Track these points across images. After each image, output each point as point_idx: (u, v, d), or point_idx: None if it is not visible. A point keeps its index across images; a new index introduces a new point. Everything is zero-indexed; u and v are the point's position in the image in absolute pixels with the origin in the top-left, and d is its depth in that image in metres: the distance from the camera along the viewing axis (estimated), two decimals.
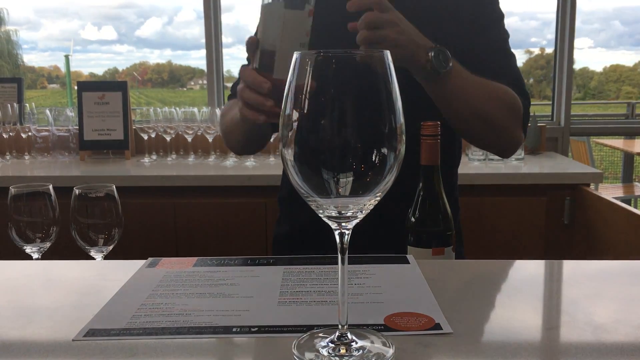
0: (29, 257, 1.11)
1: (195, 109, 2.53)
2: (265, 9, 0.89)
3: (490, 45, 1.17)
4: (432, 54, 1.00)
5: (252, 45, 0.90)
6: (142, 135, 2.56)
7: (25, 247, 1.12)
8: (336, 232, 0.54)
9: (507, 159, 2.42)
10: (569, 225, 2.19)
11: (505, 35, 1.20)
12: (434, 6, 1.15)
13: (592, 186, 2.24)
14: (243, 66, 0.96)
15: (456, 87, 1.04)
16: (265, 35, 0.88)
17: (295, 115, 0.49)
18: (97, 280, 0.79)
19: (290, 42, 0.87)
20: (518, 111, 1.14)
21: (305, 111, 0.49)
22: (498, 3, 1.20)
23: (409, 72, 1.02)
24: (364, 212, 0.53)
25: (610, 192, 4.22)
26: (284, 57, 0.86)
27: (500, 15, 1.20)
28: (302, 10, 0.87)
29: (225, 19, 3.06)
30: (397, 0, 1.00)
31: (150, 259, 0.85)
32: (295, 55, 0.50)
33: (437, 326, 0.61)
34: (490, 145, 1.20)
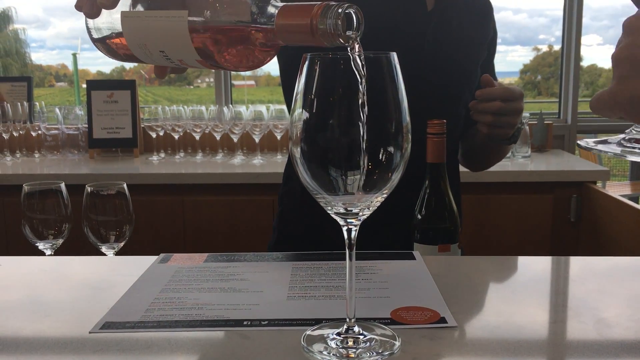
0: (41, 254, 1.13)
1: (203, 107, 2.56)
2: None
3: (492, 68, 1.26)
4: (516, 131, 1.11)
5: None
6: (151, 133, 2.59)
7: (38, 244, 1.14)
8: (344, 229, 0.56)
9: (513, 157, 2.42)
10: (575, 223, 2.20)
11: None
12: (472, 29, 1.19)
13: (599, 184, 2.24)
14: None
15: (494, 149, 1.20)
16: None
17: (305, 114, 0.51)
18: (111, 275, 0.81)
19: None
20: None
21: (313, 110, 0.51)
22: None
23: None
24: (371, 209, 0.54)
25: (618, 189, 4.21)
26: None
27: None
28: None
29: None
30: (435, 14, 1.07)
31: (162, 254, 0.87)
32: (305, 55, 0.51)
33: (442, 320, 0.62)
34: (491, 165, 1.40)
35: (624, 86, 0.47)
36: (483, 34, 1.19)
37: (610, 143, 0.54)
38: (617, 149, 0.52)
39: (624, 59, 0.47)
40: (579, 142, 0.57)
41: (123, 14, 0.61)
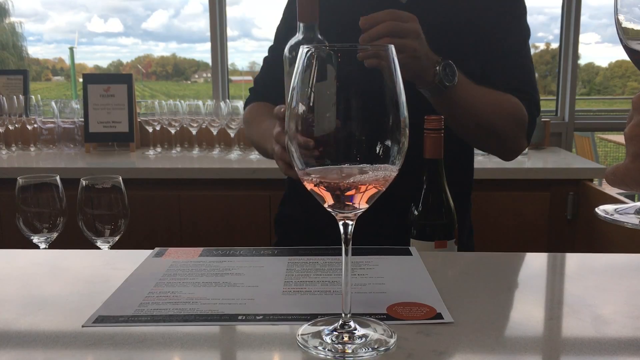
0: (36, 247, 1.13)
1: (200, 102, 2.55)
2: (290, 73, 0.90)
3: (507, 52, 1.18)
4: (440, 68, 1.00)
5: (283, 113, 0.93)
6: (147, 127, 2.58)
7: (32, 237, 1.13)
8: (340, 223, 0.55)
9: None
10: (571, 221, 2.20)
11: (524, 35, 1.22)
12: (452, 14, 1.16)
13: (595, 181, 2.24)
14: (276, 133, 0.98)
15: (461, 99, 1.05)
16: None
17: (301, 108, 0.50)
18: (105, 269, 0.80)
19: (322, 106, 0.88)
20: (522, 120, 1.16)
21: (310, 104, 0.50)
22: (526, 20, 1.21)
23: (415, 86, 1.03)
24: (367, 203, 0.54)
25: (614, 187, 4.21)
26: (320, 118, 0.88)
27: (523, 11, 1.21)
28: (327, 81, 0.89)
29: (231, 12, 3.07)
30: (411, 7, 1.00)
31: (157, 248, 0.87)
32: (301, 49, 0.51)
33: (439, 316, 0.62)
34: (491, 152, 1.24)
35: (638, 164, 0.50)
36: (464, 18, 1.16)
37: (628, 214, 0.56)
38: (636, 220, 0.54)
39: (635, 137, 0.51)
40: (597, 210, 0.58)
41: None
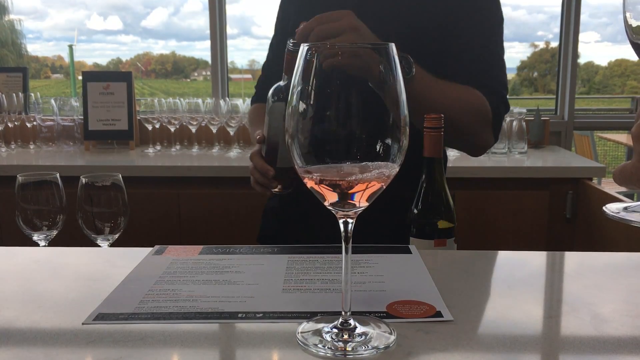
0: (36, 245, 1.13)
1: (200, 100, 2.55)
2: (270, 111, 1.09)
3: (473, 48, 1.15)
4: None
5: (260, 138, 1.10)
6: (147, 125, 2.58)
7: (32, 235, 1.13)
8: (340, 221, 0.55)
9: (510, 153, 2.43)
10: (571, 219, 2.20)
11: (494, 30, 1.19)
12: (415, 10, 1.15)
13: (594, 180, 2.24)
14: (253, 152, 1.13)
15: (420, 94, 1.03)
16: (270, 132, 1.09)
17: (302, 106, 0.50)
18: (105, 267, 0.80)
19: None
20: (486, 115, 1.13)
21: (311, 102, 0.50)
22: (498, 8, 1.19)
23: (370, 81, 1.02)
24: (367, 202, 0.54)
25: (613, 186, 4.21)
26: (285, 152, 1.05)
27: (494, 6, 1.18)
28: None
29: (231, 10, 3.07)
30: (374, 5, 1.00)
31: (156, 246, 0.87)
32: (302, 47, 0.51)
33: (438, 314, 0.62)
34: (456, 147, 1.23)
35: None
36: (428, 14, 1.14)
37: (636, 212, 0.56)
38: None
39: None
40: (604, 208, 0.58)
41: None
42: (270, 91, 1.08)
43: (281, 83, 1.07)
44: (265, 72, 1.38)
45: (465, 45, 1.15)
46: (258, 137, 1.10)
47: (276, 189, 1.11)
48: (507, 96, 1.20)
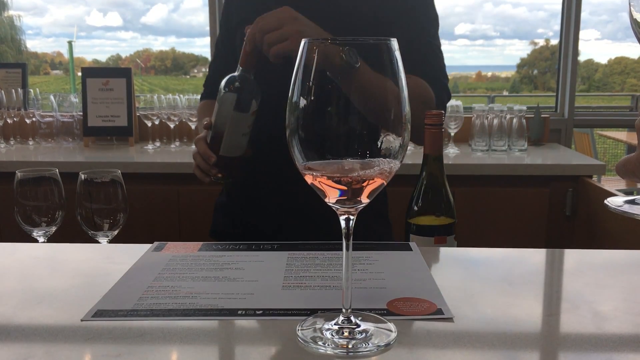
0: (35, 241, 1.12)
1: (199, 97, 2.54)
2: (220, 100, 1.10)
3: (413, 40, 1.17)
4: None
5: (207, 124, 1.12)
6: (146, 122, 2.57)
7: (31, 231, 1.13)
8: (342, 218, 0.55)
9: (510, 150, 2.42)
10: (571, 217, 2.20)
11: (432, 23, 1.23)
12: (352, 6, 1.16)
13: (594, 178, 2.24)
14: (199, 137, 1.15)
15: (367, 82, 1.04)
16: (218, 121, 1.11)
17: (302, 102, 0.50)
18: (104, 263, 0.80)
19: (235, 132, 1.10)
20: (429, 102, 1.16)
21: (311, 98, 0.50)
22: (432, 6, 1.22)
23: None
24: (368, 198, 0.53)
25: (613, 184, 4.22)
26: (229, 141, 1.11)
27: (433, 16, 1.23)
28: (246, 113, 1.09)
29: None
30: (313, 3, 1.04)
31: (156, 243, 0.86)
32: (303, 41, 0.51)
33: (439, 311, 0.62)
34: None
35: None
36: (365, 9, 1.16)
37: (638, 205, 0.56)
38: None
39: None
40: (606, 202, 0.58)
41: None
42: (224, 81, 1.09)
43: (235, 74, 1.09)
44: (212, 70, 1.44)
45: (403, 40, 1.16)
46: (205, 122, 1.12)
47: (216, 176, 1.15)
48: (448, 85, 1.24)
